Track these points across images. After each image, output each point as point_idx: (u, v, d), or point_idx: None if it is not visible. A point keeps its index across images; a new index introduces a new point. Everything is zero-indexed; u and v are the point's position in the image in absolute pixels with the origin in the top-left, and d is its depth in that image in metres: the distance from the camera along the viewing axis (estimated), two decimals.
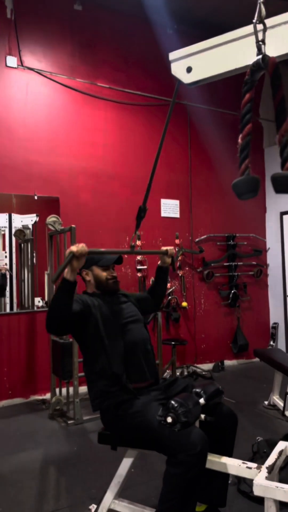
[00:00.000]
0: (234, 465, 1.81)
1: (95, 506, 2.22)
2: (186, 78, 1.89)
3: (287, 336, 5.60)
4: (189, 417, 1.72)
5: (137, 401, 1.91)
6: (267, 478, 1.58)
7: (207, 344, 5.34)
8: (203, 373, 4.99)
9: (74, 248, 1.82)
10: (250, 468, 1.77)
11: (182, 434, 1.69)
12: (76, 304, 1.97)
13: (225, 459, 1.84)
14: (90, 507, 2.24)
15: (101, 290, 2.21)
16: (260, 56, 1.22)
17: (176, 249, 2.05)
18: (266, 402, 3.80)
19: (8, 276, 4.28)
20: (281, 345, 5.67)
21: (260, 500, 2.13)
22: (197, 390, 1.96)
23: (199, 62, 1.83)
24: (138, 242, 4.85)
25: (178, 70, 1.90)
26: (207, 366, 5.24)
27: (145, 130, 5.09)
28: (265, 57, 1.21)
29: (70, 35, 4.67)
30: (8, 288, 4.35)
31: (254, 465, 1.78)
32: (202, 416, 1.89)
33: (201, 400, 1.91)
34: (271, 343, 5.71)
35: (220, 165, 5.57)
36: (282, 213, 5.71)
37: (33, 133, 4.40)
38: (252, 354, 5.57)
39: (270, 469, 1.65)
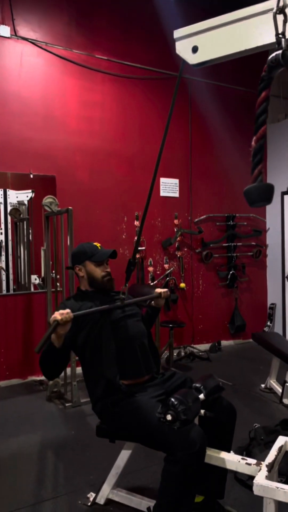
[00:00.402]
0: (233, 461, 1.79)
1: (94, 495, 2.24)
2: (192, 59, 1.76)
3: (284, 317, 5.61)
4: (188, 414, 1.69)
5: (134, 399, 1.88)
6: (267, 477, 1.56)
7: (204, 325, 5.34)
8: (200, 353, 5.01)
9: (58, 316, 1.72)
10: (249, 464, 1.76)
11: (181, 432, 1.67)
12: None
13: (224, 454, 1.83)
14: (89, 495, 2.25)
15: (95, 287, 2.15)
16: (279, 52, 1.10)
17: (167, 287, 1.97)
18: (263, 385, 3.82)
19: (3, 275, 4.22)
20: (278, 325, 5.69)
21: None
22: (197, 385, 1.93)
23: (206, 42, 1.70)
24: (136, 223, 4.76)
25: (183, 49, 1.77)
26: (204, 347, 5.25)
27: (144, 105, 4.90)
28: (285, 53, 1.08)
29: (67, 3, 4.42)
30: (4, 265, 4.30)
31: (253, 461, 1.77)
32: (202, 411, 1.87)
33: (201, 396, 1.88)
34: (268, 323, 5.72)
35: (222, 143, 5.42)
36: (283, 193, 5.61)
37: (28, 107, 4.22)
38: (249, 335, 5.59)
39: (270, 467, 1.63)
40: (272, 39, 1.37)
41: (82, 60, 4.50)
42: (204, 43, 1.71)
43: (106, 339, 1.99)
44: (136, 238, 2.18)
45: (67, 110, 4.44)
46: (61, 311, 1.74)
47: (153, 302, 2.34)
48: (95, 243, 2.22)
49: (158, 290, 2.29)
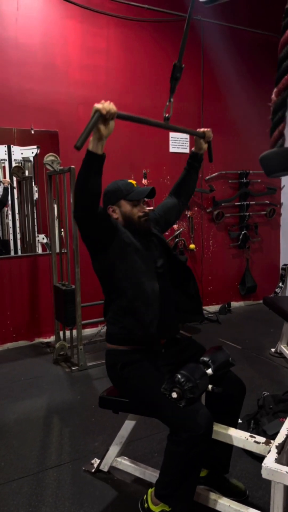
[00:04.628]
0: (241, 438, 1.71)
1: (98, 461, 2.22)
2: None
3: None
4: (195, 393, 1.59)
5: (144, 364, 1.78)
6: (276, 460, 1.47)
7: (214, 286, 5.23)
8: (209, 315, 4.93)
9: (100, 105, 1.43)
10: (258, 443, 1.67)
11: (187, 413, 1.57)
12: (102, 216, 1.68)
13: (231, 431, 1.75)
14: (93, 461, 2.23)
15: (130, 229, 1.87)
16: None
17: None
18: (273, 350, 3.74)
19: (9, 190, 4.06)
20: None
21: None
22: (205, 359, 1.82)
23: None
24: (144, 181, 4.53)
25: None
26: (214, 308, 5.17)
27: (153, 51, 4.53)
28: None
29: None
30: (10, 225, 4.18)
31: (262, 439, 1.69)
32: (209, 386, 1.77)
33: (209, 371, 1.77)
34: (280, 285, 5.58)
35: (237, 93, 5.05)
36: None
37: (26, 56, 3.91)
38: (259, 296, 5.49)
39: (280, 448, 1.55)
40: None
41: (85, 1, 4.10)
42: None
43: (148, 276, 1.79)
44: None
45: (69, 58, 4.11)
46: (102, 101, 1.46)
47: (193, 148, 2.19)
48: (130, 180, 1.95)
49: (201, 129, 2.13)
